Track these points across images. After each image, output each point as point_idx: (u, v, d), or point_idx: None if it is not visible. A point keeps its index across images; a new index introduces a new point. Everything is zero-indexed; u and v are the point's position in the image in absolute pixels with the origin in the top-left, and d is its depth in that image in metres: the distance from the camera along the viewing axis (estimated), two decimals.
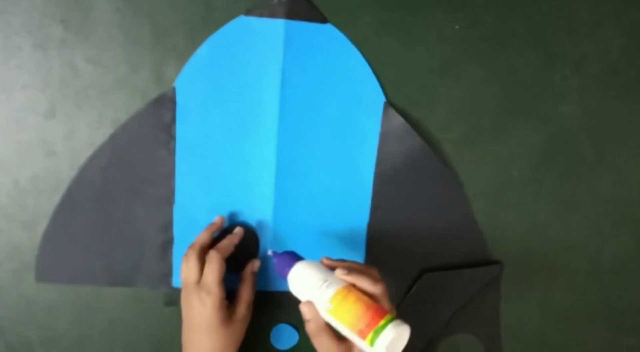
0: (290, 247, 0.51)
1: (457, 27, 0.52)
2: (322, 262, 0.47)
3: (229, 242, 0.51)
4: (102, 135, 0.52)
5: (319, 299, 0.44)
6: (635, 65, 0.54)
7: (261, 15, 0.50)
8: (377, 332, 0.40)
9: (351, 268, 0.45)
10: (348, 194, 0.55)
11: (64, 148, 0.52)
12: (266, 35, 0.51)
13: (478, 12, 0.52)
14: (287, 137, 0.53)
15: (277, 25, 0.50)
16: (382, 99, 0.53)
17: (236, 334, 0.50)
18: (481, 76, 0.53)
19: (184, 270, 0.50)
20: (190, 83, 0.52)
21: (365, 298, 0.43)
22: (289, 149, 0.53)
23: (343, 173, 0.55)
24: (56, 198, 0.53)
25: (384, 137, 0.54)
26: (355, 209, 0.56)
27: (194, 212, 0.54)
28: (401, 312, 0.57)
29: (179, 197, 0.54)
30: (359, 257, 0.56)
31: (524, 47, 0.53)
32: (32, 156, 0.53)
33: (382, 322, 0.40)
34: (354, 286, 0.44)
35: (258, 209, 0.55)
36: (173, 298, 0.56)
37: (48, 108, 0.52)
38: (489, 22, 0.52)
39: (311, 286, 0.44)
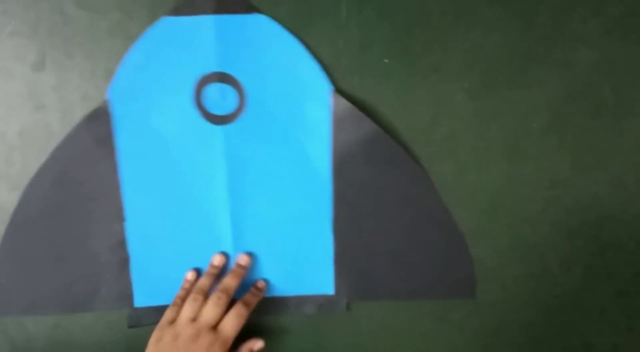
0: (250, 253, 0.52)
1: None
2: None
3: (251, 295, 0.52)
4: (95, 86, 0.49)
5: None
6: None
7: (187, 13, 0.47)
8: None
9: None
10: (307, 191, 0.52)
11: (54, 100, 0.49)
12: (196, 33, 0.48)
13: None
14: (235, 137, 0.50)
15: (206, 22, 0.47)
16: (329, 86, 0.50)
17: None
18: (496, 19, 0.50)
19: (195, 310, 0.48)
20: (124, 93, 0.49)
21: None
22: (239, 149, 0.50)
23: (298, 169, 0.51)
24: (45, 154, 0.49)
25: (336, 127, 0.50)
26: (316, 206, 0.52)
27: (147, 226, 0.51)
28: None
29: (129, 213, 0.51)
30: (326, 255, 0.53)
31: None
32: (20, 109, 0.49)
33: None
34: None
35: (214, 217, 0.52)
36: (137, 319, 0.53)
37: (37, 57, 0.48)
38: None
39: None
